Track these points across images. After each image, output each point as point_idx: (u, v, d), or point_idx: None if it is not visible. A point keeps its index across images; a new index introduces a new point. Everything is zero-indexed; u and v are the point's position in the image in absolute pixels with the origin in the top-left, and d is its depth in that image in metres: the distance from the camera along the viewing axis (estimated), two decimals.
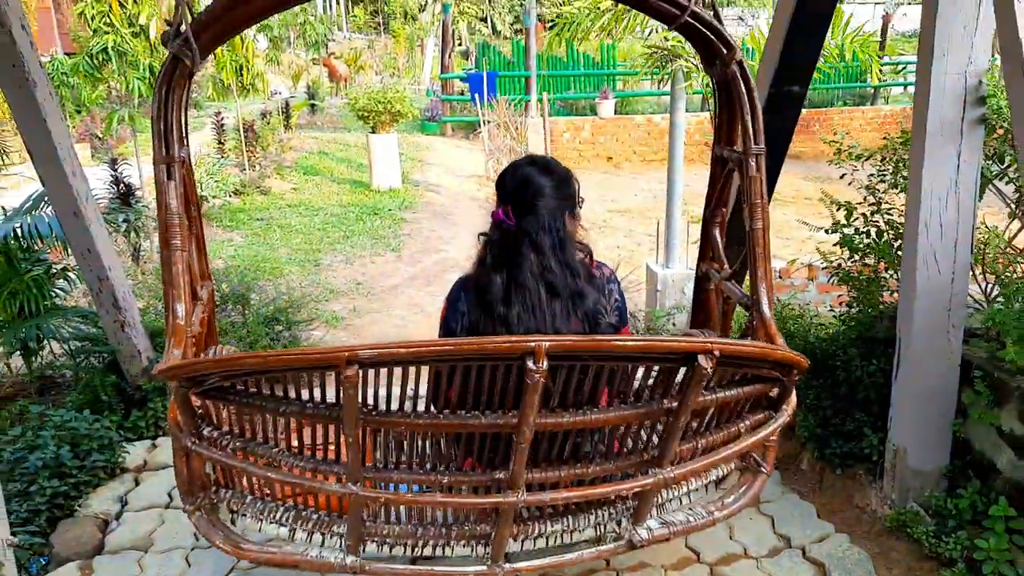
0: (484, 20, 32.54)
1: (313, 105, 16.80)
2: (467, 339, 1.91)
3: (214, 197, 8.37)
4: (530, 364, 1.50)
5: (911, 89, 19.37)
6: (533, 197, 1.99)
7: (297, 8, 30.25)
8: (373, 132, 10.42)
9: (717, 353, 1.63)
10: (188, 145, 2.26)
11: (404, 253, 7.90)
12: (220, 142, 9.66)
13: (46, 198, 3.89)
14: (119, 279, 3.52)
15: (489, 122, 12.58)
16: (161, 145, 2.13)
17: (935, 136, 2.53)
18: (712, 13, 2.32)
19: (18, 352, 4.02)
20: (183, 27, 2.14)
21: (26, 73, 2.79)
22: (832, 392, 3.04)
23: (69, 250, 3.76)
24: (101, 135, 11.94)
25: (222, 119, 9.63)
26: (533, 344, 1.51)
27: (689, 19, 2.24)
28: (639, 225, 10.91)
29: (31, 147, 3.00)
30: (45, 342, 4.07)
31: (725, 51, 2.30)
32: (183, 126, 2.23)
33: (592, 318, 2.07)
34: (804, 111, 15.30)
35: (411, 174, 11.89)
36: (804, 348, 3.25)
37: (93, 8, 6.22)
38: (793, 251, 7.12)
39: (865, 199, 3.11)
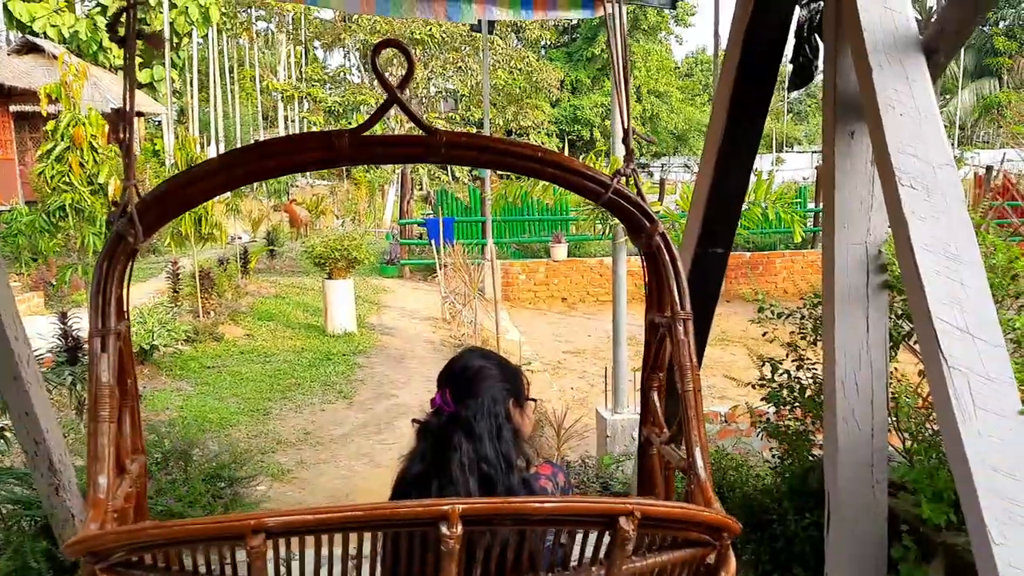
0: (444, 168, 33.92)
1: (272, 251, 17.06)
2: (378, 504, 1.90)
3: (165, 346, 8.32)
4: (444, 530, 1.50)
5: None
6: (473, 378, 1.95)
7: None
8: (329, 278, 10.59)
9: (638, 515, 1.65)
10: (128, 318, 2.33)
11: (355, 400, 7.86)
12: (175, 290, 9.72)
13: None
14: (56, 441, 3.46)
15: (446, 265, 12.89)
16: (98, 317, 2.17)
17: (844, 300, 2.71)
18: (635, 191, 2.52)
19: None
20: (129, 207, 2.26)
21: None
22: (770, 546, 3.07)
23: (6, 412, 3.71)
24: (55, 283, 11.93)
25: (178, 268, 9.73)
26: (447, 507, 1.51)
27: (613, 196, 2.43)
28: (592, 366, 11.05)
29: None
30: None
31: (648, 224, 2.48)
32: (122, 300, 2.31)
33: None
34: (748, 255, 16.02)
35: (367, 317, 12.00)
36: (742, 501, 3.29)
37: (53, 168, 6.42)
38: (741, 392, 7.26)
39: (787, 355, 3.26)
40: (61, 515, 3.59)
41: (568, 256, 16.25)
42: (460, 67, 31.17)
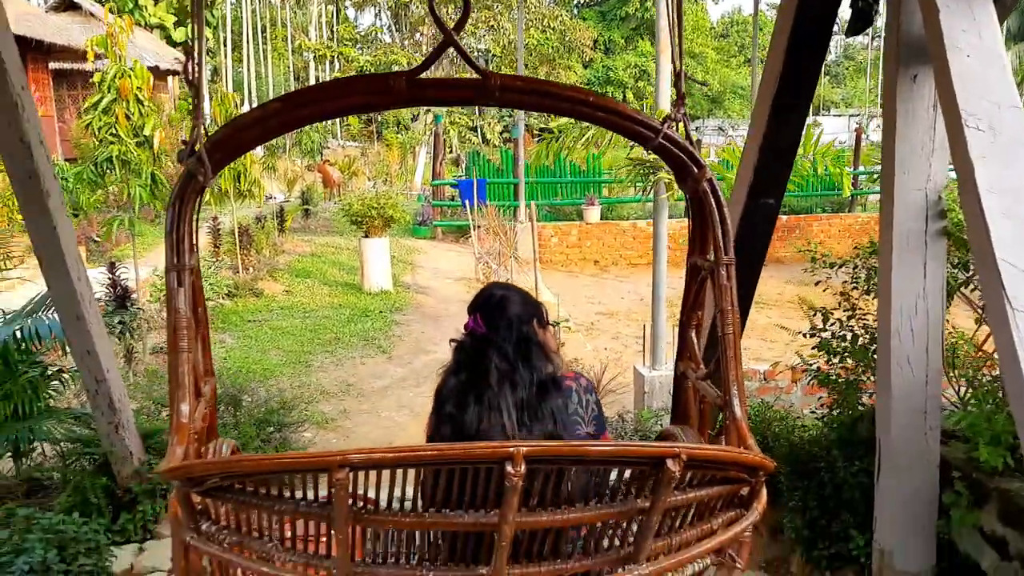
0: (474, 130, 33.78)
1: (307, 210, 17.19)
2: (449, 445, 2.00)
3: (208, 300, 8.48)
4: (509, 468, 1.62)
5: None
6: (499, 304, 2.09)
7: None
8: (366, 236, 10.67)
9: (684, 458, 1.75)
10: (197, 253, 2.39)
11: (394, 354, 7.97)
12: (216, 246, 9.86)
13: (47, 301, 3.99)
14: (116, 381, 3.58)
15: (479, 227, 12.91)
16: (173, 254, 2.25)
17: (901, 247, 2.69)
18: (684, 135, 2.52)
19: (8, 454, 4.03)
20: (198, 145, 2.31)
21: (41, 184, 2.95)
22: (817, 494, 3.09)
23: (67, 352, 3.83)
24: (97, 238, 12.15)
25: (218, 224, 9.87)
26: (512, 449, 1.62)
27: (663, 141, 2.44)
28: (625, 327, 11.06)
29: (40, 253, 3.12)
30: (36, 444, 4.08)
31: (696, 170, 2.48)
32: (193, 236, 2.37)
33: (556, 423, 2.16)
34: (785, 218, 15.84)
35: (402, 277, 12.09)
36: (788, 450, 3.31)
37: (100, 120, 6.51)
38: (777, 353, 7.25)
39: (840, 304, 3.25)
40: (120, 452, 3.72)
41: (601, 219, 16.19)
42: (492, 26, 30.84)
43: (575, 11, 44.97)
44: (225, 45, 28.39)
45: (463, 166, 24.36)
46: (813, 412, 3.63)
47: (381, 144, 31.20)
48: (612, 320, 11.44)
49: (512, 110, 31.02)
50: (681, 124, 2.62)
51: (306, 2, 40.41)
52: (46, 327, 3.78)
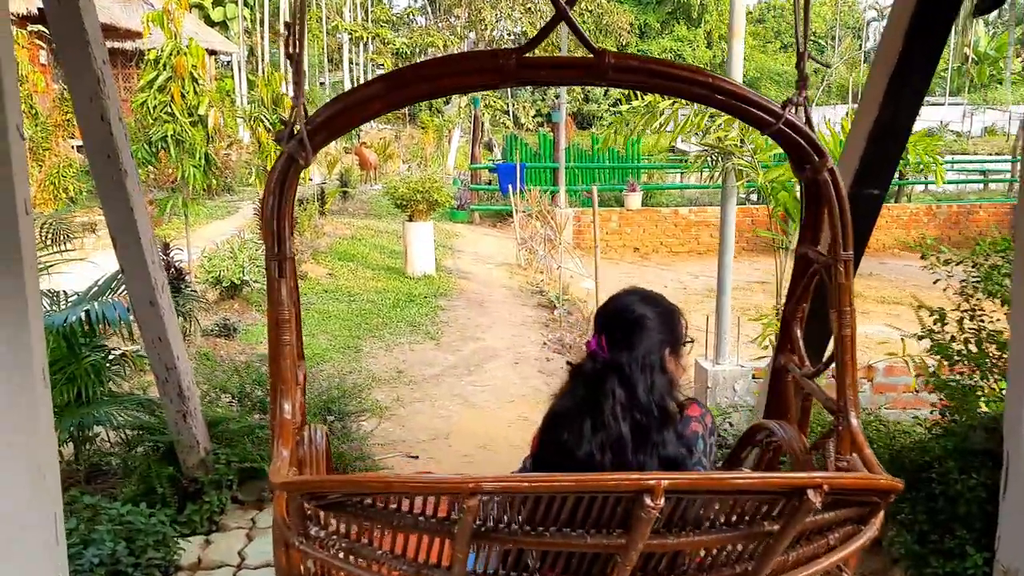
0: (507, 113, 33.51)
1: (345, 192, 17.13)
2: (587, 477, 1.89)
3: (255, 281, 8.41)
4: (648, 501, 1.53)
5: (932, 187, 19.54)
6: (632, 326, 1.89)
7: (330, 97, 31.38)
8: (410, 220, 10.54)
9: (826, 488, 1.67)
10: (294, 239, 2.26)
11: (443, 341, 7.84)
12: (261, 227, 9.80)
13: (113, 283, 3.89)
14: (185, 368, 3.47)
15: (523, 211, 12.73)
16: (274, 243, 2.11)
17: None
18: (805, 120, 2.34)
19: (69, 440, 3.95)
20: (297, 126, 2.17)
21: (120, 164, 2.82)
22: (928, 507, 2.90)
23: (134, 336, 3.73)
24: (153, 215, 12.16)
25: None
26: (653, 483, 1.54)
27: (783, 127, 2.27)
28: None
29: (116, 235, 3.01)
30: (98, 429, 4.00)
31: (817, 158, 2.30)
32: (293, 221, 2.24)
33: (676, 452, 2.01)
34: None
35: (443, 261, 11.97)
36: (890, 457, 3.12)
37: (155, 99, 6.42)
38: (866, 354, 6.99)
39: (959, 305, 3.04)
40: (187, 441, 3.62)
41: (642, 205, 15.93)
42: (529, 8, 30.50)
43: None
44: (262, 26, 28.37)
45: (497, 150, 24.17)
46: (932, 412, 3.39)
47: (415, 127, 31.06)
48: None
49: (550, 93, 30.71)
50: (801, 108, 2.43)
51: None
52: (113, 310, 3.68)
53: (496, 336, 8.09)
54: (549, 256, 10.75)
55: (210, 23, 25.12)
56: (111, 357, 4.15)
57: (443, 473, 4.50)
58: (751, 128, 4.92)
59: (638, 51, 44.92)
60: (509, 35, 34.07)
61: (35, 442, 2.16)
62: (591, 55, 2.35)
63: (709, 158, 5.62)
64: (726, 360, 5.91)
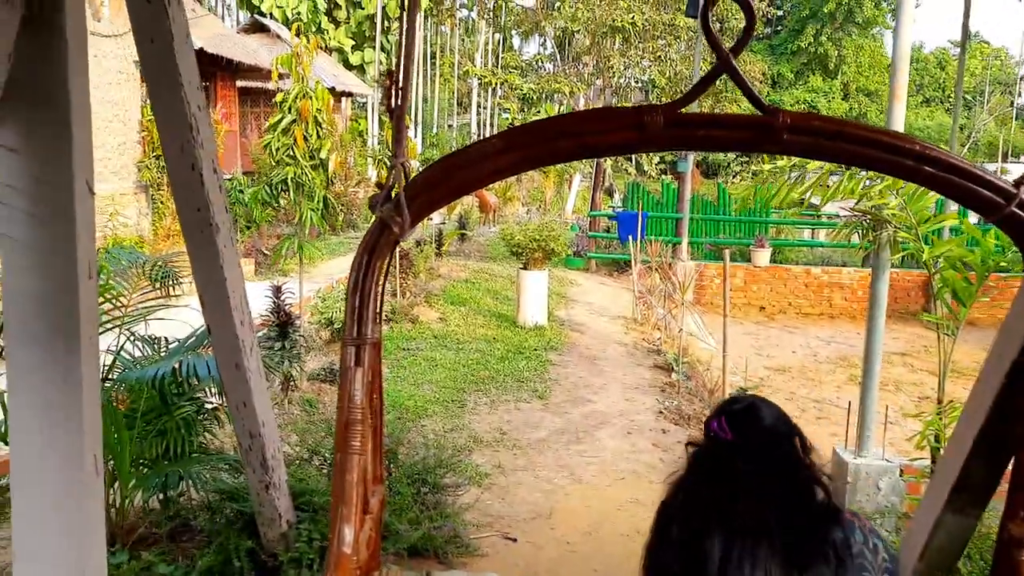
0: (630, 159, 33.08)
1: (463, 234, 17.15)
2: None
3: None
4: None
5: None
6: (748, 410, 1.61)
7: (458, 142, 31.83)
8: (524, 268, 10.25)
9: None
10: (381, 322, 1.93)
11: (551, 401, 7.42)
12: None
13: (206, 339, 3.72)
14: (271, 435, 3.21)
15: (644, 262, 12.24)
16: (354, 323, 1.79)
17: None
18: None
19: (157, 495, 3.78)
20: (396, 189, 1.85)
21: (211, 217, 2.60)
22: None
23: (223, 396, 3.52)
24: (266, 251, 12.48)
25: None
26: None
27: (1017, 210, 1.76)
28: (801, 387, 10.02)
29: (203, 292, 2.79)
30: (186, 486, 3.81)
31: None
32: (381, 300, 1.91)
33: (839, 563, 1.52)
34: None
35: (555, 310, 11.60)
36: None
37: (279, 141, 6.43)
38: None
39: None
40: (268, 513, 3.35)
41: (770, 262, 15.07)
42: (659, 56, 30.14)
43: None
44: (396, 69, 29.31)
45: (616, 196, 23.78)
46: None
47: (536, 170, 31.12)
48: (784, 377, 10.41)
49: None
50: None
51: (474, 30, 41.36)
52: (204, 366, 3.49)
53: (608, 399, 7.60)
54: (668, 314, 10.18)
55: (348, 67, 26.15)
56: (203, 410, 3.97)
57: None
58: (915, 195, 4.32)
59: (769, 101, 43.74)
60: (637, 82, 33.81)
61: (78, 539, 1.89)
62: (759, 113, 1.91)
63: (860, 225, 5.00)
64: (870, 451, 5.20)
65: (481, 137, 38.44)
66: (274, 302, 6.01)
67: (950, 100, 47.89)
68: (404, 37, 2.16)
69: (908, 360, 11.65)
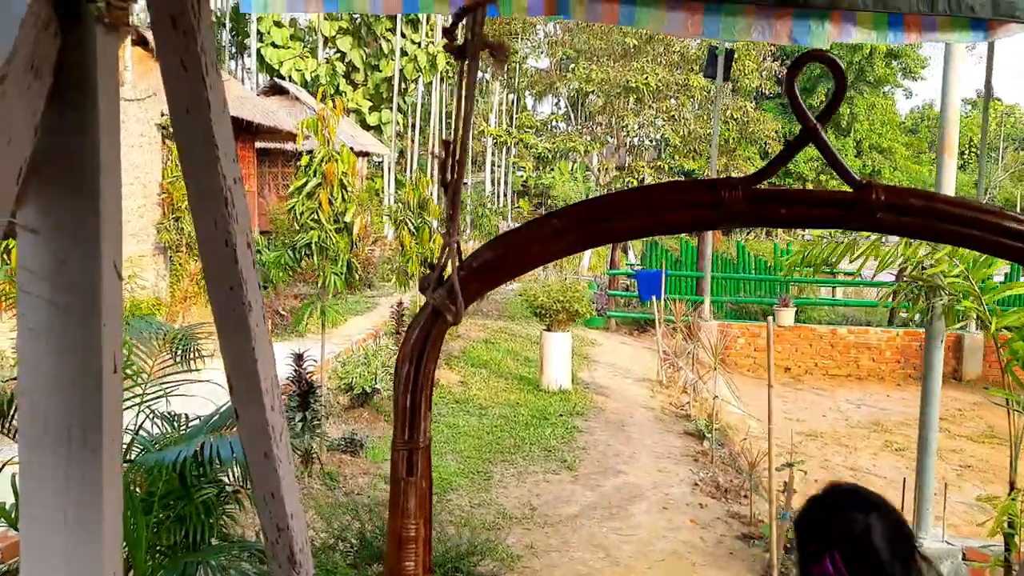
0: None
1: None
2: None
3: (386, 389, 8.06)
4: None
5: None
6: (866, 536, 1.46)
7: (473, 200, 32.05)
8: (548, 330, 10.03)
9: None
10: (430, 413, 1.71)
11: (580, 472, 7.12)
12: (397, 331, 9.55)
13: (229, 419, 3.50)
14: (299, 527, 2.94)
15: (668, 321, 11.99)
16: (405, 426, 1.57)
17: None
18: None
19: None
20: (447, 271, 1.65)
21: (244, 295, 2.39)
22: None
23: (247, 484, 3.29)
24: (283, 312, 12.31)
25: (403, 308, 9.58)
26: None
27: None
28: (835, 454, 9.65)
29: (232, 375, 2.55)
30: None
31: None
32: (431, 396, 1.70)
33: None
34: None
35: (578, 372, 11.32)
36: None
37: (303, 205, 6.31)
38: None
39: None
40: None
41: (795, 322, 14.79)
42: (673, 116, 30.35)
43: (753, 102, 44.01)
44: (413, 129, 29.65)
45: (632, 254, 23.67)
46: None
47: None
48: (816, 443, 10.04)
49: None
50: None
51: (488, 91, 41.97)
52: (228, 448, 3.26)
53: (639, 469, 7.29)
54: (697, 377, 9.89)
55: (365, 127, 26.44)
56: (224, 492, 3.73)
57: None
58: (978, 263, 4.10)
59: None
60: (650, 141, 34.01)
61: None
62: (850, 188, 1.72)
63: (910, 291, 4.77)
64: (929, 533, 4.87)
65: (496, 194, 38.68)
66: (295, 370, 5.80)
67: (963, 156, 47.99)
68: (463, 104, 1.99)
69: (944, 425, 11.25)
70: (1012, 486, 4.05)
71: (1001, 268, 8.00)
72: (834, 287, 17.80)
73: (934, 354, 4.77)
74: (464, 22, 1.63)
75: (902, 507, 5.14)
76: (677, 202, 1.71)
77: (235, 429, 3.32)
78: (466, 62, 2.01)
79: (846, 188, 1.58)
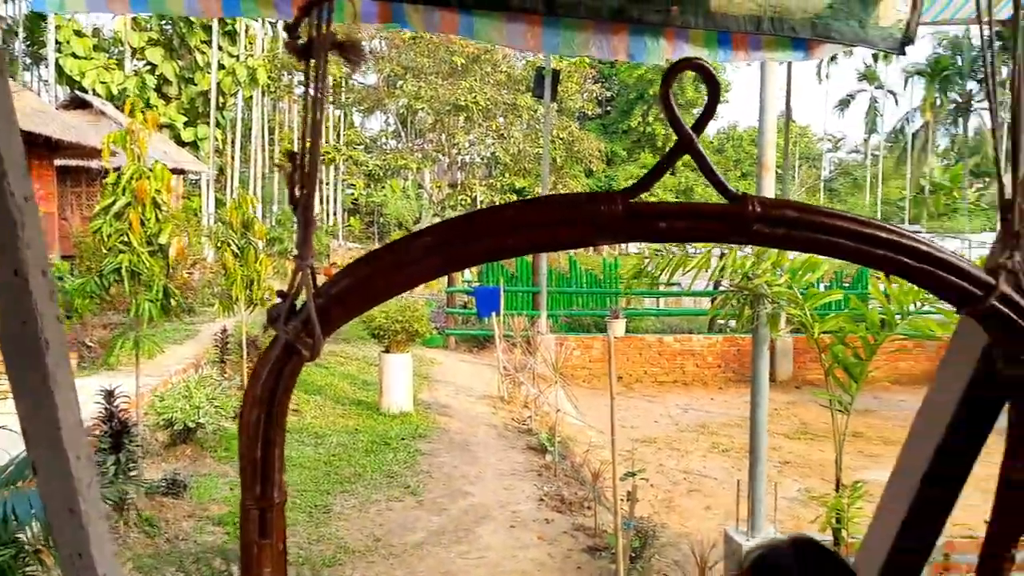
0: None
1: None
2: None
3: (211, 423, 7.46)
4: None
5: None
6: None
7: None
8: (387, 351, 9.76)
9: None
10: (284, 471, 1.50)
11: (425, 496, 6.92)
12: (222, 360, 8.92)
13: (26, 472, 3.05)
14: None
15: (507, 337, 12.05)
16: (256, 482, 1.34)
17: None
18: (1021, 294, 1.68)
19: None
20: (301, 297, 1.45)
21: (39, 331, 2.05)
22: None
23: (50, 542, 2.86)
24: (90, 343, 11.20)
25: (227, 336, 8.96)
26: None
27: (997, 304, 1.62)
28: (668, 459, 10.04)
29: (27, 424, 2.18)
30: None
31: None
32: (283, 442, 1.48)
33: None
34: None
35: (420, 393, 11.10)
36: None
37: (111, 226, 5.70)
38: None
39: None
40: None
41: (625, 332, 15.37)
42: (503, 135, 30.91)
43: (578, 123, 45.82)
44: (233, 145, 28.27)
45: (468, 271, 23.77)
46: None
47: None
48: (651, 449, 10.41)
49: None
50: (1015, 277, 1.77)
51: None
52: (27, 504, 2.81)
53: (485, 489, 7.19)
54: (538, 391, 9.97)
55: (180, 143, 24.87)
56: (24, 553, 3.23)
57: None
58: (800, 271, 4.36)
59: (605, 177, 46.02)
60: (481, 159, 34.44)
61: None
62: (726, 201, 1.67)
63: (736, 300, 5.00)
64: (761, 532, 5.11)
65: (325, 212, 37.62)
66: (106, 408, 5.21)
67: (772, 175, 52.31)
68: (311, 114, 1.79)
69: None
70: (839, 483, 4.31)
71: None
72: (658, 298, 18.70)
73: (760, 359, 5.03)
74: (309, 18, 1.44)
75: (737, 508, 5.37)
76: (553, 219, 1.60)
77: (34, 482, 2.88)
78: (312, 63, 1.80)
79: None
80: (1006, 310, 1.61)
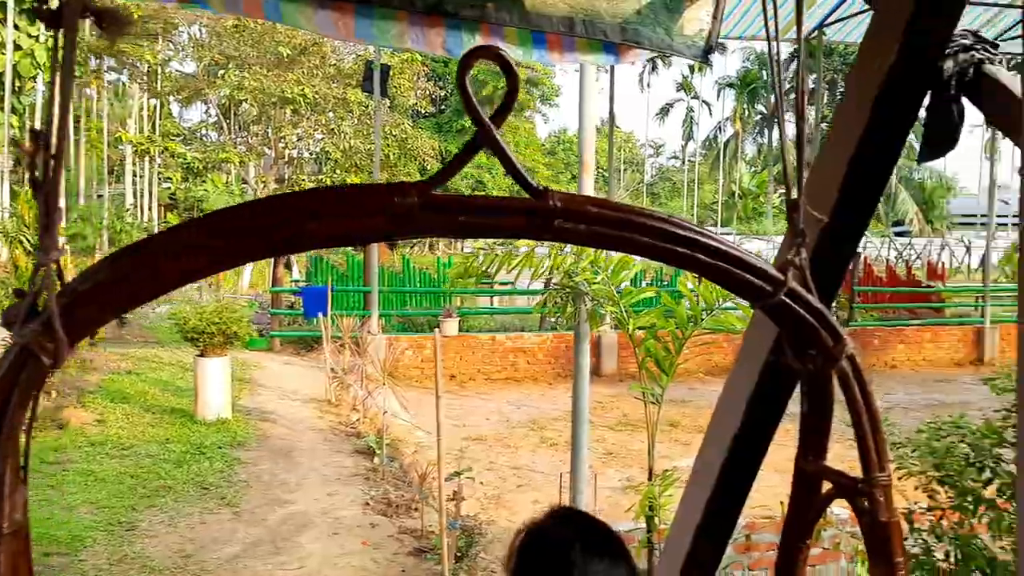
0: None
1: (122, 318, 15.11)
2: None
3: None
4: None
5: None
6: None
7: (111, 214, 28.64)
8: (202, 355, 9.17)
9: None
10: (26, 495, 1.29)
11: (242, 507, 6.55)
12: None
13: None
14: None
15: (336, 338, 11.70)
16: None
17: None
18: (808, 290, 1.77)
19: None
20: (43, 298, 1.25)
21: None
22: None
23: None
24: None
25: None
26: None
27: (785, 298, 1.69)
28: (499, 455, 10.15)
29: None
30: None
31: (831, 342, 1.75)
32: (25, 457, 1.28)
33: None
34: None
35: (239, 399, 10.53)
36: None
37: None
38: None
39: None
40: None
41: (458, 331, 15.42)
42: (332, 129, 30.13)
43: (411, 120, 45.51)
44: (47, 132, 25.65)
45: (295, 269, 23.02)
46: None
47: None
48: (482, 446, 10.48)
49: None
50: (802, 273, 1.86)
51: (125, 94, 37.95)
52: None
53: (308, 496, 6.91)
54: (367, 393, 9.75)
55: None
56: None
57: None
58: (616, 270, 4.49)
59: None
60: (311, 154, 33.38)
61: None
62: (528, 196, 1.63)
63: (559, 298, 5.10)
64: None
65: (139, 207, 35.06)
66: None
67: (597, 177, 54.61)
68: (58, 90, 1.57)
69: (588, 417, 12.47)
70: (651, 472, 4.47)
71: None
72: (492, 296, 18.93)
73: (582, 355, 5.15)
74: None
75: (559, 499, 5.48)
76: (342, 210, 1.49)
77: None
78: (62, 32, 1.57)
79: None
80: (793, 304, 1.69)
